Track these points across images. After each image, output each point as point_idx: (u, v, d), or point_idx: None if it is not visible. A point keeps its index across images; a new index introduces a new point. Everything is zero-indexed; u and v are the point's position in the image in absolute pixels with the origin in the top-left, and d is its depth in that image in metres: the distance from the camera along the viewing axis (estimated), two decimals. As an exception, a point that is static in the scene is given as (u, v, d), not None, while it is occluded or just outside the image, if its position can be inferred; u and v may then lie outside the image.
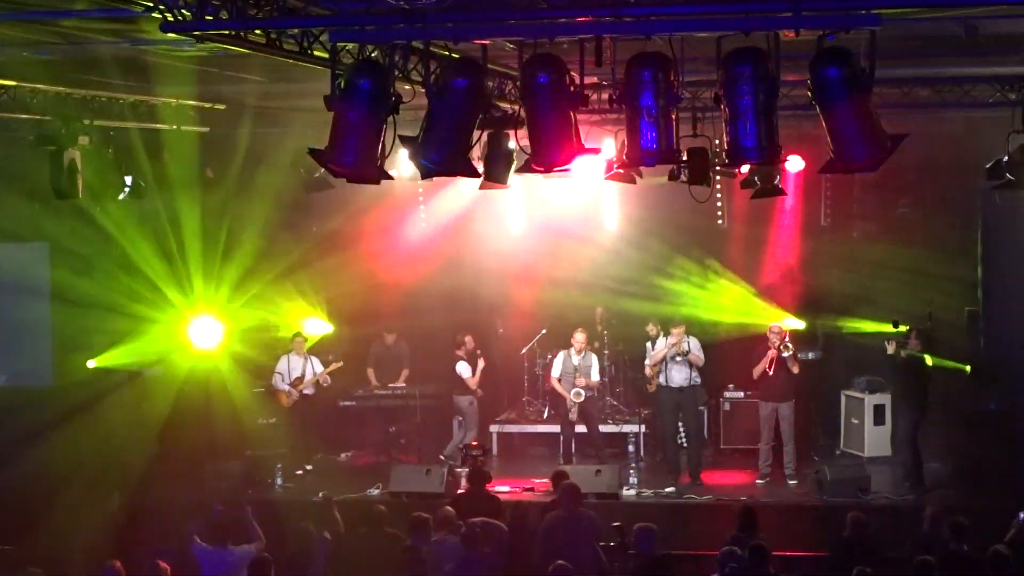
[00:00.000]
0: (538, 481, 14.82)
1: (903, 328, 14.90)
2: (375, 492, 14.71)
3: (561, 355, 15.95)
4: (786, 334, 15.19)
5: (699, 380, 15.45)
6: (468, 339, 16.31)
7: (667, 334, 15.29)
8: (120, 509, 12.33)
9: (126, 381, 16.04)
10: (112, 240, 15.37)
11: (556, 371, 15.91)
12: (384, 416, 16.57)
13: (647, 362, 15.63)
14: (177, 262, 15.86)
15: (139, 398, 15.95)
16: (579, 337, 15.81)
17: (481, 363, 16.24)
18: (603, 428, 16.16)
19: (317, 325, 17.02)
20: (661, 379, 15.35)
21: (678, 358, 15.21)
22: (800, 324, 16.19)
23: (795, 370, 15.12)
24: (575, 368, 15.72)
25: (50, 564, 10.44)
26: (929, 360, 14.68)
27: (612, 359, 17.14)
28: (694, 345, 15.32)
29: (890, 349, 14.65)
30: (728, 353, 15.76)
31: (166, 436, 15.62)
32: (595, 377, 15.86)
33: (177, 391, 15.81)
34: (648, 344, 15.68)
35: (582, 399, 15.59)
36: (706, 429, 16.51)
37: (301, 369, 15.95)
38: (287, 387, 15.91)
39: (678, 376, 15.27)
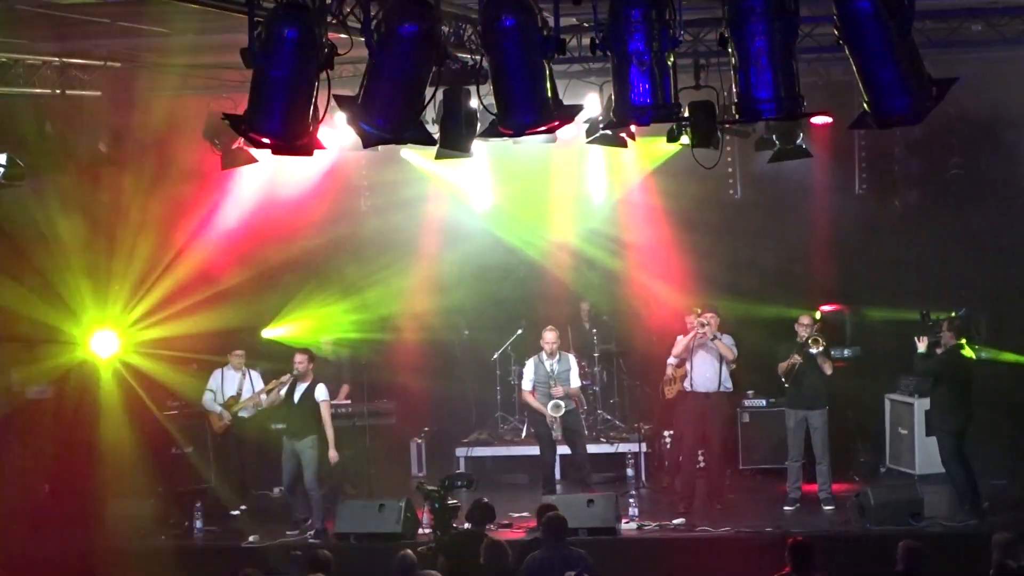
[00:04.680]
0: (516, 515, 14.83)
1: (951, 314, 14.89)
2: (311, 536, 14.64)
3: (531, 363, 15.69)
4: (817, 327, 15.17)
5: (731, 386, 15.40)
6: (297, 357, 15.29)
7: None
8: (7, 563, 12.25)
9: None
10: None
11: (527, 383, 15.62)
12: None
13: (670, 360, 15.56)
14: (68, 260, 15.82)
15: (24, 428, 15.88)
16: (549, 336, 15.54)
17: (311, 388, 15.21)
18: (596, 448, 16.16)
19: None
20: (685, 383, 15.33)
21: (701, 352, 15.15)
22: (821, 314, 16.20)
23: (828, 371, 15.10)
24: (549, 375, 15.46)
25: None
26: (970, 354, 14.64)
27: (603, 362, 17.12)
28: (726, 341, 15.23)
29: (921, 347, 14.55)
30: (747, 351, 15.70)
31: (58, 473, 15.56)
32: (574, 383, 15.65)
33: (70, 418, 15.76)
34: (679, 338, 15.42)
35: (562, 412, 15.33)
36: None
37: (237, 386, 15.81)
38: (220, 408, 15.78)
39: (705, 378, 15.18)
